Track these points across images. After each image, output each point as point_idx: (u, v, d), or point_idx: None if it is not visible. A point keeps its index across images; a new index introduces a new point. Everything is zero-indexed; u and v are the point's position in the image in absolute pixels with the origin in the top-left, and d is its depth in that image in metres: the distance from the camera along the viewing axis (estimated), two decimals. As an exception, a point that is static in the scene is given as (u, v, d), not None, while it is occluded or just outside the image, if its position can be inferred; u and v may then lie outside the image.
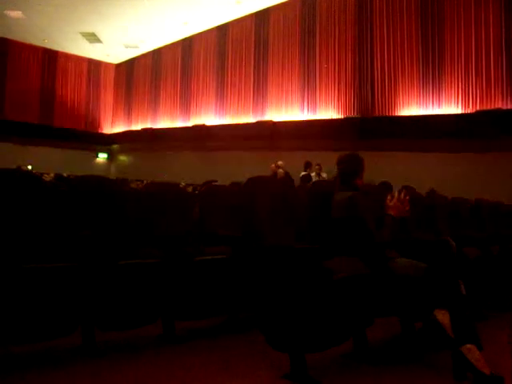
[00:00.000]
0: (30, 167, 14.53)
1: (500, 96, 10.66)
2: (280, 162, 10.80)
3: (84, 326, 2.94)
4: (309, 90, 14.44)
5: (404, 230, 3.93)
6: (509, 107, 10.47)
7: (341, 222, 3.12)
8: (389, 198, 3.15)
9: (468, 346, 2.61)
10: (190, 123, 17.84)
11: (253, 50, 16.14)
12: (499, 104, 10.61)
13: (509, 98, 10.52)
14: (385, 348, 3.38)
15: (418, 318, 3.14)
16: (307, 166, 10.84)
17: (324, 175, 10.24)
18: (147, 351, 3.08)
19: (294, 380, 2.61)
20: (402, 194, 3.14)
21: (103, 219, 3.44)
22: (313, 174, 10.46)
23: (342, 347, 2.91)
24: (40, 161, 16.60)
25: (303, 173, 10.55)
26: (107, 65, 21.95)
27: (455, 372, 2.72)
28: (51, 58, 20.34)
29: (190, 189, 8.06)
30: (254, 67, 16.05)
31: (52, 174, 11.44)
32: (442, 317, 2.69)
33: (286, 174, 10.26)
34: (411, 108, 12.10)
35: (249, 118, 15.95)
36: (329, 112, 13.84)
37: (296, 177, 9.99)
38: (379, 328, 3.29)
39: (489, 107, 10.75)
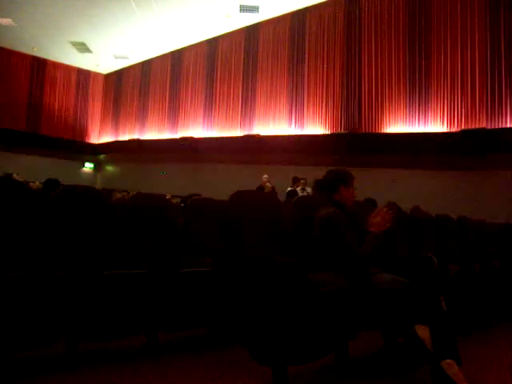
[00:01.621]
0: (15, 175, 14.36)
1: (484, 116, 10.82)
2: (266, 176, 10.90)
3: (68, 335, 2.93)
4: (297, 105, 14.53)
5: (389, 245, 3.98)
6: (493, 127, 10.63)
7: (321, 239, 3.15)
8: (373, 214, 3.17)
9: (448, 361, 2.64)
10: (177, 135, 17.83)
11: (242, 64, 16.22)
12: (483, 123, 10.76)
13: (493, 117, 10.67)
14: (366, 362, 3.40)
15: (400, 332, 3.17)
16: (295, 181, 10.88)
17: (309, 190, 10.25)
18: (130, 362, 3.08)
19: (275, 392, 2.62)
20: (386, 210, 3.18)
21: (89, 229, 3.44)
22: (298, 189, 10.47)
23: (324, 360, 2.93)
24: (26, 169, 16.44)
25: (290, 188, 10.58)
26: (96, 75, 21.94)
27: (434, 387, 2.75)
28: (40, 67, 20.25)
29: (176, 201, 8.06)
30: (243, 81, 16.12)
31: (37, 183, 11.37)
32: (423, 332, 2.73)
33: (272, 188, 10.33)
34: (397, 125, 12.23)
35: (236, 132, 15.99)
36: (316, 127, 13.94)
37: (282, 191, 10.01)
38: (362, 341, 3.32)
39: (473, 126, 10.90)
